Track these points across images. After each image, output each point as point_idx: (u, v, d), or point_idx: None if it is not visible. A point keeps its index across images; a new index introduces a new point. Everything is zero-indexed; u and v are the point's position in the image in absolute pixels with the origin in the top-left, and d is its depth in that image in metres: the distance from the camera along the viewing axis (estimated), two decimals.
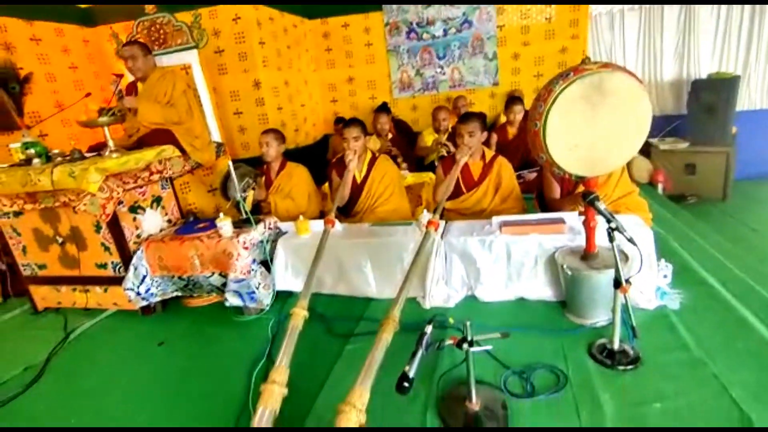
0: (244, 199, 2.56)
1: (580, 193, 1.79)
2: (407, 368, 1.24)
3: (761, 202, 4.21)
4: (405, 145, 4.48)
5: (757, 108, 4.68)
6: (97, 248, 2.52)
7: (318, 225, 2.53)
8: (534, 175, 3.73)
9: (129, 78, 3.06)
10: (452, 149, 3.46)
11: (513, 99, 4.18)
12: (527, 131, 1.84)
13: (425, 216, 2.30)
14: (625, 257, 1.87)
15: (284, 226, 2.70)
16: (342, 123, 3.18)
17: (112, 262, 2.53)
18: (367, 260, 2.38)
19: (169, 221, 2.77)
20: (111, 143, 2.54)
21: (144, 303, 2.49)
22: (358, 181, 2.94)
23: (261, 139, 3.02)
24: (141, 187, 2.58)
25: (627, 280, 1.56)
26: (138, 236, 2.55)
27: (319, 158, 4.73)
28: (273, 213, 2.95)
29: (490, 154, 2.78)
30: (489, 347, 1.41)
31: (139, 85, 2.98)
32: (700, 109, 4.35)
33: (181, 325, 2.43)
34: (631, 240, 1.52)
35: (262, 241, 2.49)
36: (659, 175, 4.26)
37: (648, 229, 2.12)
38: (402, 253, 2.29)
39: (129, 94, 2.96)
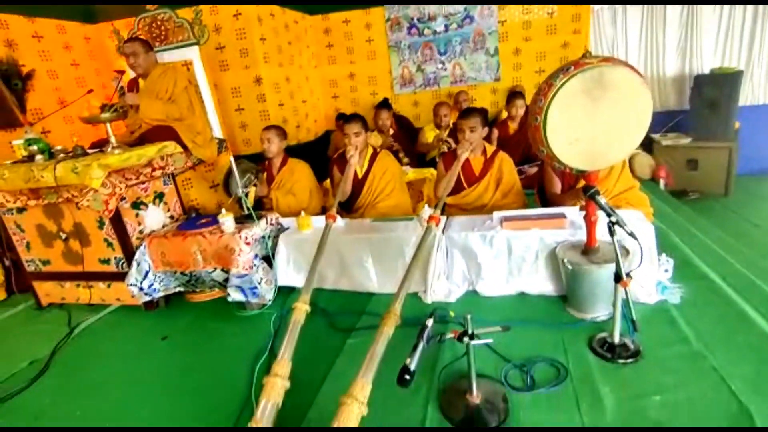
0: (246, 195, 2.57)
1: (581, 188, 1.80)
2: (408, 361, 1.25)
3: (763, 197, 4.20)
4: (406, 141, 4.48)
5: (760, 103, 4.65)
6: (100, 244, 2.54)
7: (319, 221, 2.54)
8: (535, 169, 3.73)
9: (130, 75, 3.07)
10: (453, 145, 3.46)
11: (514, 94, 4.18)
12: (528, 126, 1.84)
13: (426, 211, 2.31)
14: (626, 252, 1.88)
15: (286, 221, 2.71)
16: (343, 119, 3.19)
17: (115, 258, 2.54)
18: (368, 255, 2.39)
19: (172, 217, 2.78)
20: (113, 139, 2.56)
21: (147, 298, 2.51)
22: (359, 176, 2.95)
23: (262, 136, 3.03)
24: (143, 183, 2.60)
25: (627, 275, 1.56)
26: (140, 232, 2.56)
27: (321, 154, 4.73)
28: (275, 209, 2.96)
29: (491, 149, 2.78)
30: (489, 341, 1.41)
31: (141, 81, 2.98)
32: (703, 105, 4.33)
33: (184, 320, 2.45)
34: (631, 234, 1.52)
35: (263, 237, 2.51)
36: (661, 170, 4.25)
37: (649, 223, 2.12)
38: (403, 248, 2.30)
39: (131, 91, 2.97)
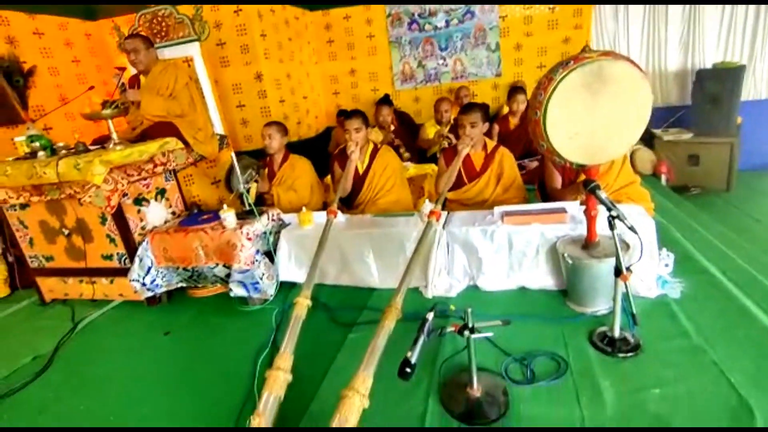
0: (248, 191, 2.57)
1: (581, 182, 1.80)
2: (409, 354, 1.26)
3: (765, 193, 4.19)
4: (407, 136, 4.47)
5: (763, 98, 4.63)
6: (102, 240, 2.55)
7: (321, 216, 2.55)
8: (535, 164, 3.73)
9: (131, 71, 3.07)
10: (454, 140, 3.46)
11: (516, 89, 4.17)
12: (528, 120, 1.84)
13: (427, 206, 2.31)
14: (626, 246, 1.88)
15: (287, 217, 2.72)
16: (344, 115, 3.19)
17: (118, 254, 2.56)
18: (369, 251, 2.40)
19: (174, 213, 2.79)
20: (115, 136, 2.57)
21: (149, 294, 2.52)
22: (360, 172, 2.95)
23: (263, 132, 3.03)
24: (145, 179, 2.61)
25: (628, 269, 1.57)
26: (143, 228, 2.58)
27: (322, 150, 4.74)
28: (276, 205, 2.97)
29: (491, 144, 2.78)
30: (490, 334, 1.42)
31: (142, 78, 2.99)
32: (705, 100, 4.30)
33: (187, 315, 2.47)
34: (631, 228, 1.52)
35: (265, 233, 2.52)
36: (662, 166, 4.24)
37: (649, 218, 2.12)
38: (404, 244, 2.31)
39: (132, 87, 2.97)
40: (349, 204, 3.07)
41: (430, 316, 1.37)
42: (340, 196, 2.70)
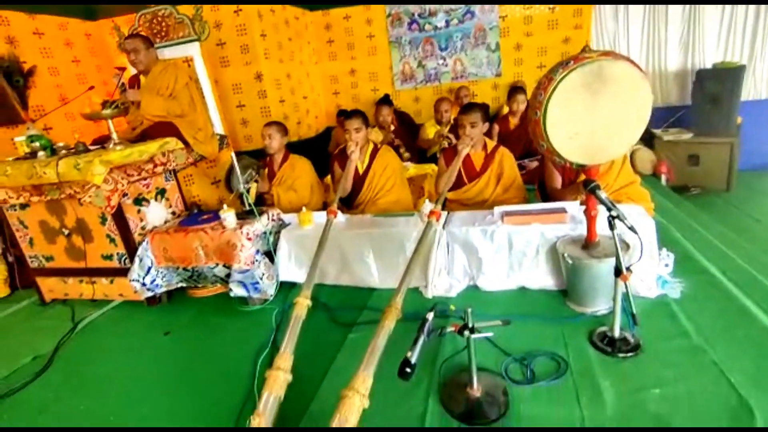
0: (248, 191, 2.57)
1: (581, 182, 1.80)
2: (409, 354, 1.26)
3: (765, 193, 4.19)
4: (407, 137, 4.47)
5: (763, 98, 4.63)
6: (102, 240, 2.55)
7: (321, 216, 2.55)
8: (535, 164, 3.73)
9: (131, 71, 3.08)
10: (454, 140, 3.46)
11: (516, 89, 4.17)
12: (528, 120, 1.84)
13: (427, 206, 2.31)
14: (626, 246, 1.88)
15: (287, 217, 2.72)
16: (344, 115, 3.19)
17: (118, 254, 2.56)
18: (369, 251, 2.40)
19: (174, 213, 2.79)
20: (115, 136, 2.57)
21: (149, 294, 2.52)
22: (360, 172, 2.95)
23: (263, 132, 3.03)
24: (145, 179, 2.61)
25: (627, 269, 1.57)
26: (143, 228, 2.57)
27: (322, 151, 4.74)
28: (276, 205, 2.97)
29: (491, 144, 2.78)
30: (490, 334, 1.42)
31: (142, 78, 2.99)
32: (705, 100, 4.30)
33: (187, 315, 2.47)
34: (631, 228, 1.52)
35: (265, 233, 2.52)
36: (662, 166, 4.24)
37: (649, 218, 2.12)
38: (404, 244, 2.31)
39: (132, 87, 2.97)
40: (349, 204, 3.07)
41: (430, 316, 1.38)
42: (340, 196, 2.70)
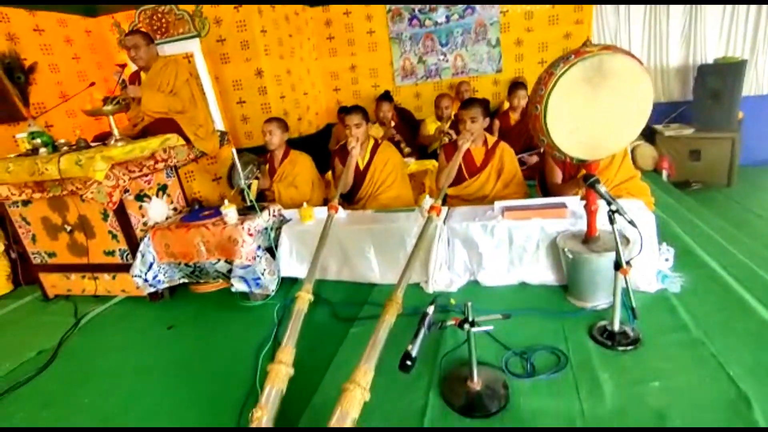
0: (249, 187, 2.58)
1: (582, 177, 1.80)
2: (410, 347, 1.27)
3: (766, 188, 4.18)
4: (408, 133, 4.47)
5: (764, 93, 4.60)
6: (104, 236, 2.56)
7: (321, 212, 2.56)
8: (535, 158, 3.73)
9: (132, 68, 3.08)
10: (455, 137, 3.45)
11: (516, 84, 4.16)
12: (528, 115, 1.85)
13: (428, 201, 2.32)
14: (626, 240, 1.88)
15: (288, 213, 2.73)
16: (344, 111, 3.19)
17: (120, 250, 2.57)
18: (370, 246, 2.41)
19: (175, 209, 2.81)
20: (116, 132, 2.57)
21: (152, 289, 2.54)
22: (361, 167, 2.96)
23: (264, 128, 3.03)
24: (146, 175, 2.61)
25: (627, 263, 1.57)
26: (144, 224, 2.59)
27: (322, 147, 4.74)
28: (277, 201, 2.98)
29: (492, 140, 2.78)
30: (490, 328, 1.43)
31: (142, 74, 2.99)
32: (706, 95, 4.29)
33: (189, 311, 2.48)
34: (631, 222, 1.53)
35: (266, 228, 2.53)
36: (664, 161, 4.23)
37: (649, 212, 2.13)
38: (405, 239, 2.31)
39: (132, 84, 2.98)
40: (350, 199, 3.07)
41: (431, 309, 1.38)
42: (341, 191, 2.70)
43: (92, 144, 2.62)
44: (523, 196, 2.66)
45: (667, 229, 2.53)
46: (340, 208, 2.51)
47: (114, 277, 2.66)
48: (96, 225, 2.55)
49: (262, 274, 2.38)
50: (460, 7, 4.77)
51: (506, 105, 4.38)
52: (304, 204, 2.61)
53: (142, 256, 2.49)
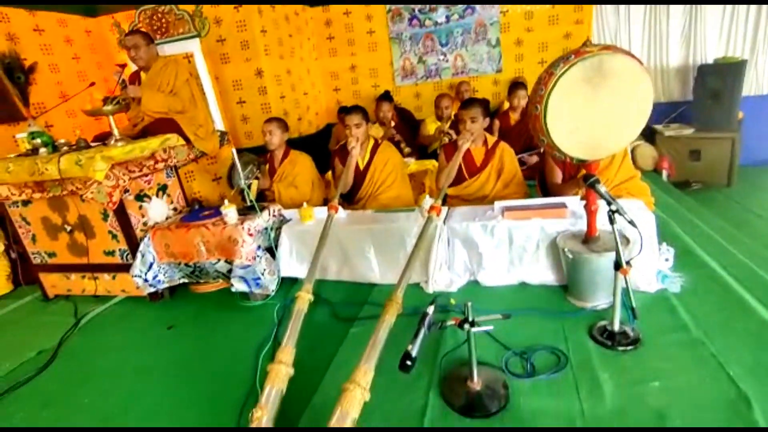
0: (249, 187, 2.58)
1: (581, 177, 1.80)
2: (410, 347, 1.27)
3: (766, 188, 4.18)
4: (408, 133, 4.47)
5: (764, 93, 4.60)
6: (104, 236, 2.56)
7: (321, 212, 2.56)
8: (535, 158, 3.73)
9: (132, 68, 3.08)
10: (455, 137, 3.45)
11: (516, 84, 4.16)
12: (528, 115, 1.85)
13: (428, 201, 2.32)
14: (626, 240, 1.89)
15: (288, 213, 2.73)
16: (344, 111, 3.19)
17: (120, 250, 2.57)
18: (370, 246, 2.41)
19: (175, 209, 2.81)
20: (116, 132, 2.57)
21: (152, 289, 2.54)
22: (361, 167, 2.96)
23: (264, 128, 3.03)
24: (146, 175, 2.61)
25: (627, 263, 1.57)
26: (144, 224, 2.59)
27: (322, 147, 4.74)
28: (277, 201, 2.98)
29: (492, 140, 2.78)
30: (490, 327, 1.43)
31: (142, 74, 2.99)
32: (706, 95, 4.29)
33: (189, 311, 2.48)
34: (631, 222, 1.53)
35: (266, 228, 2.53)
36: (664, 161, 4.23)
37: (649, 212, 2.13)
38: (405, 239, 2.31)
39: (132, 84, 2.98)
40: (350, 199, 3.07)
41: (431, 309, 1.38)
42: (341, 191, 2.70)
43: (92, 144, 2.62)
44: (523, 196, 2.66)
45: (667, 229, 2.53)
46: (340, 208, 2.51)
47: (114, 277, 2.66)
48: (96, 225, 2.55)
49: (262, 274, 2.38)
50: (460, 7, 4.77)
51: (506, 105, 4.38)
52: (304, 204, 2.61)
53: (142, 256, 2.49)
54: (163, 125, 2.85)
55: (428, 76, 5.12)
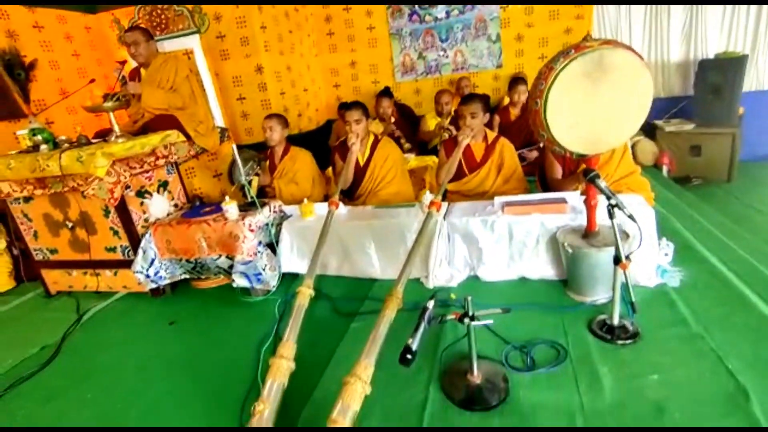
0: (249, 183, 2.59)
1: (581, 172, 1.80)
2: (410, 341, 1.28)
3: (767, 183, 4.18)
4: (408, 128, 4.47)
5: (765, 88, 4.59)
6: (106, 232, 2.57)
7: (322, 208, 2.57)
8: (535, 153, 3.73)
9: (132, 64, 3.08)
10: (455, 132, 3.45)
11: (516, 79, 4.16)
12: (528, 110, 1.85)
13: (428, 197, 2.32)
14: (626, 235, 1.89)
15: (289, 209, 2.73)
16: (344, 107, 3.19)
17: (121, 246, 2.58)
18: (370, 242, 2.42)
19: (176, 205, 2.81)
20: (117, 128, 2.57)
21: (153, 285, 2.55)
22: (361, 163, 2.96)
23: (264, 124, 3.04)
24: (147, 171, 2.62)
25: (627, 257, 1.58)
26: (145, 220, 2.59)
27: (322, 144, 4.74)
28: (278, 197, 2.98)
29: (492, 135, 2.78)
30: (490, 321, 1.44)
31: (142, 71, 2.99)
32: (707, 90, 4.28)
33: (190, 306, 2.50)
34: (631, 216, 1.53)
35: (267, 224, 2.53)
36: (664, 157, 4.23)
37: (649, 207, 2.13)
38: (405, 234, 2.32)
39: (132, 80, 2.97)
40: (350, 195, 3.08)
41: (431, 304, 1.39)
42: (341, 187, 2.71)
43: (93, 140, 2.62)
44: (523, 192, 2.66)
45: (667, 225, 2.54)
46: (341, 204, 2.52)
47: (116, 273, 2.67)
48: (97, 221, 2.56)
49: (263, 270, 2.39)
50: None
51: (506, 100, 4.38)
52: (305, 200, 2.62)
53: (144, 252, 2.50)
54: (164, 122, 2.85)
55: (428, 72, 5.11)
